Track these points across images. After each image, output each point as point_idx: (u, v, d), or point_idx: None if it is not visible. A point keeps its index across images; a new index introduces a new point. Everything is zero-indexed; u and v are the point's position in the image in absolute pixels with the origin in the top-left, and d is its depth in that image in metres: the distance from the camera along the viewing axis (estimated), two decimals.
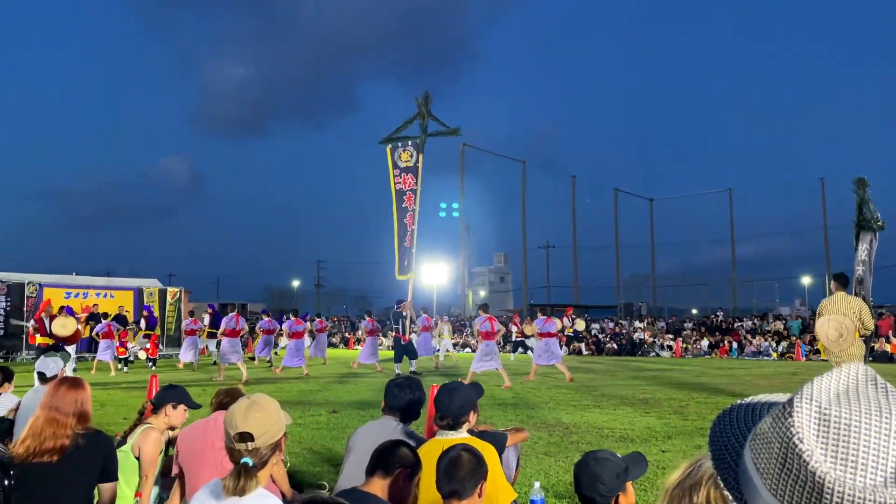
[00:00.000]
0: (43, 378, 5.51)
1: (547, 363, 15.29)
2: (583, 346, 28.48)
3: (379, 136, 19.52)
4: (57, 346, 15.86)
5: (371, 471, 2.96)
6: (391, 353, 20.23)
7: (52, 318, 15.97)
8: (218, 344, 18.43)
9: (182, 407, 4.41)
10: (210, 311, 22.21)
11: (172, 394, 4.44)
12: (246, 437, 2.28)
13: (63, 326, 15.57)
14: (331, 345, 34.18)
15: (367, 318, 21.03)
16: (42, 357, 5.91)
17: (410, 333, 17.15)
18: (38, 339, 15.95)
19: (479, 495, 2.73)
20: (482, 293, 70.94)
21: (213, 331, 20.51)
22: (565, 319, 26.21)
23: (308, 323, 20.70)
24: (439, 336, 23.21)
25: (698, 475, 1.15)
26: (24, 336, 21.92)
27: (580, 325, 28.57)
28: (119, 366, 18.95)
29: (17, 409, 5.49)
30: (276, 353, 20.62)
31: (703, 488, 1.13)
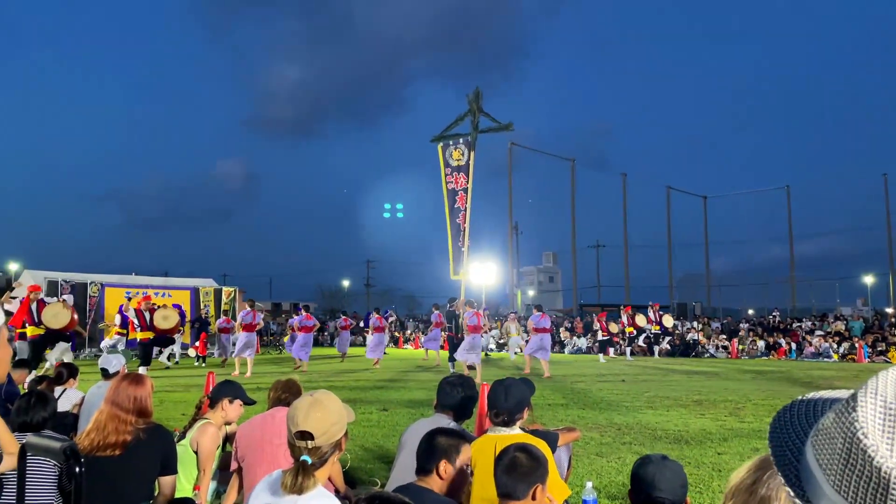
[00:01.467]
0: (106, 374, 5.70)
1: (534, 355, 16.35)
2: (659, 346, 25.58)
3: (430, 136, 19.39)
4: (158, 339, 15.82)
5: (419, 471, 2.99)
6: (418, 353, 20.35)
7: (151, 310, 15.98)
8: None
9: (238, 402, 4.52)
10: None
11: (228, 389, 4.55)
12: (306, 435, 2.31)
13: (165, 318, 15.66)
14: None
15: (376, 316, 21.61)
16: (105, 354, 6.12)
17: (463, 332, 17.22)
18: (140, 334, 16.01)
19: (533, 497, 2.70)
20: (531, 293, 70.52)
21: None
22: (651, 315, 24.52)
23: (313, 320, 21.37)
24: (507, 334, 23.13)
25: (775, 485, 1.11)
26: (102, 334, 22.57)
27: (668, 321, 25.61)
28: (165, 362, 19.57)
29: (81, 404, 5.70)
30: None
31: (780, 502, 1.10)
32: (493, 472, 3.21)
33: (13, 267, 41.67)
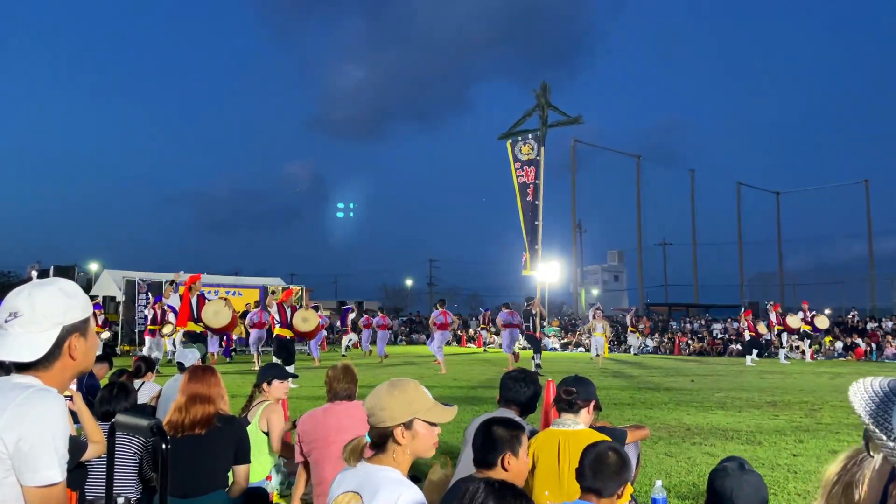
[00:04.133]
0: (182, 368, 5.91)
1: (507, 351, 17.43)
2: (809, 348, 23.48)
3: (494, 135, 19.00)
4: (293, 340, 14.46)
5: (479, 464, 2.96)
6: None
7: (293, 308, 14.50)
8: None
9: (276, 382, 4.75)
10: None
11: (269, 372, 4.83)
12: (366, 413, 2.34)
13: (304, 320, 14.31)
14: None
15: (380, 315, 22.73)
16: (181, 348, 6.34)
17: (540, 330, 17.24)
18: (277, 331, 14.35)
19: (619, 496, 2.70)
20: (595, 292, 69.57)
21: None
22: (801, 315, 22.69)
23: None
24: (592, 332, 22.47)
25: (860, 470, 1.10)
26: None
27: (822, 321, 23.25)
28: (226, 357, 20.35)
29: (158, 397, 5.93)
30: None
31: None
32: (556, 466, 3.19)
33: (94, 267, 43.57)
